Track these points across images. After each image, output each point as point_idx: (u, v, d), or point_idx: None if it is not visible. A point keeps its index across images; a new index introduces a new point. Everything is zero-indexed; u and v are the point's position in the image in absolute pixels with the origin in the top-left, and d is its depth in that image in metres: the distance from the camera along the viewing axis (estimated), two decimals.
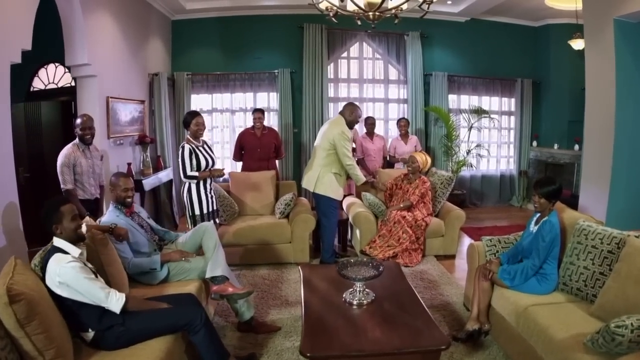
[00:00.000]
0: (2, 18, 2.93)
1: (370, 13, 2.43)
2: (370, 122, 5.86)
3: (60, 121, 5.01)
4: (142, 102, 5.48)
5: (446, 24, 6.88)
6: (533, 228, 2.77)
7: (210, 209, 3.68)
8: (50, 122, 4.97)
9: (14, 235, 3.05)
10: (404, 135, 5.98)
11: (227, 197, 4.59)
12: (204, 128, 3.69)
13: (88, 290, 2.05)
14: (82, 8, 3.86)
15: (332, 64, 6.82)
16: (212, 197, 3.72)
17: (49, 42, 4.44)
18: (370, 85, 6.99)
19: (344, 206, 4.99)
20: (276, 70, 6.55)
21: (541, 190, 2.67)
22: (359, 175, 4.23)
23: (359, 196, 4.98)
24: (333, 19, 2.77)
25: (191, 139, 3.62)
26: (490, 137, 7.40)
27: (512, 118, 7.35)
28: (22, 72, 5.24)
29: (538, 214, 2.81)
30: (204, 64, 6.57)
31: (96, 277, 2.19)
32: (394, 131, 6.48)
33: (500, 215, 6.64)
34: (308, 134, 6.57)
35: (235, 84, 6.64)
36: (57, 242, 2.17)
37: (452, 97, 7.07)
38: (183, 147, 3.55)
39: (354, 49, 6.91)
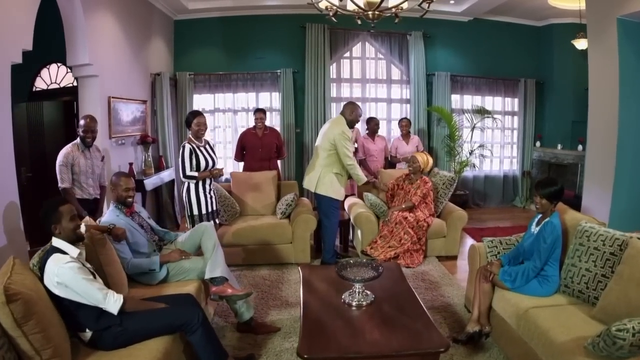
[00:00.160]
0: (2, 18, 2.93)
1: (370, 12, 2.41)
2: (374, 123, 5.84)
3: (63, 121, 5.02)
4: (144, 102, 5.49)
5: (449, 24, 6.85)
6: (534, 229, 2.75)
7: (210, 209, 3.67)
8: (53, 122, 4.99)
9: (15, 235, 3.06)
10: (406, 135, 5.96)
11: (228, 197, 4.58)
12: (206, 128, 3.68)
13: (86, 291, 2.05)
14: (83, 8, 3.87)
15: (334, 64, 6.81)
16: (211, 197, 3.71)
17: (51, 42, 4.45)
18: (372, 85, 6.97)
19: (346, 206, 4.98)
20: (278, 70, 6.54)
21: (543, 191, 2.65)
22: (360, 175, 4.21)
23: (360, 196, 4.96)
24: (333, 18, 2.76)
25: (193, 138, 3.62)
26: (493, 138, 7.36)
27: (516, 118, 7.31)
28: (25, 72, 5.27)
29: (540, 215, 2.78)
30: (206, 63, 6.58)
31: (95, 277, 2.19)
32: (396, 131, 6.45)
33: (503, 216, 6.61)
34: (310, 134, 6.56)
35: (238, 84, 6.63)
36: (56, 242, 2.18)
37: (454, 97, 7.04)
38: (184, 147, 3.55)
39: (356, 49, 6.89)
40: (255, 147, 5.16)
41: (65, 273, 2.02)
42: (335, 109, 6.77)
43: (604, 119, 4.29)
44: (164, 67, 6.16)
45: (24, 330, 1.77)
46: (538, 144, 7.15)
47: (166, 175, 5.62)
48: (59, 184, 3.43)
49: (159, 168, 5.61)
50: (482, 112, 6.83)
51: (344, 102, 4.56)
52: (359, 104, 6.62)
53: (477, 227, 5.86)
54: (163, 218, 5.88)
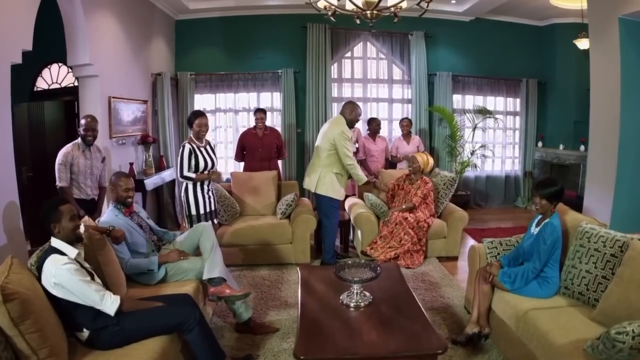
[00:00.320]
0: (2, 19, 2.93)
1: (368, 12, 2.40)
2: (376, 124, 5.82)
3: (64, 121, 5.04)
4: (145, 102, 5.49)
5: (450, 24, 6.83)
6: (534, 230, 2.73)
7: (208, 209, 3.67)
8: (54, 121, 5.00)
9: (14, 235, 3.06)
10: (407, 135, 5.94)
11: (228, 197, 4.58)
12: (207, 130, 3.66)
13: (83, 292, 2.05)
14: (83, 8, 3.87)
15: (335, 64, 6.80)
16: (209, 197, 3.70)
17: (52, 42, 4.46)
18: (374, 85, 6.95)
19: (346, 207, 4.97)
20: (280, 70, 6.54)
21: (542, 191, 2.63)
22: (360, 175, 4.20)
23: (361, 197, 4.95)
24: (332, 17, 2.75)
25: (194, 138, 3.61)
26: (495, 138, 7.33)
27: (517, 118, 7.29)
28: (26, 72, 5.29)
29: (539, 216, 2.76)
30: (207, 63, 6.58)
31: (93, 278, 2.19)
32: (398, 131, 6.44)
33: (505, 217, 6.58)
34: (311, 134, 6.55)
35: (239, 84, 6.63)
36: (55, 242, 2.18)
37: (456, 97, 7.02)
38: (183, 147, 3.55)
39: (357, 49, 6.88)
40: (255, 147, 5.16)
41: (63, 274, 2.02)
42: (336, 109, 6.76)
43: (605, 119, 4.27)
44: (165, 67, 6.17)
45: (21, 330, 1.77)
46: (540, 144, 7.12)
47: (167, 175, 5.63)
48: (57, 183, 3.44)
49: (160, 168, 5.62)
50: (483, 112, 6.81)
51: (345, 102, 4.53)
52: (360, 104, 6.61)
53: (478, 227, 5.83)
54: (164, 218, 5.89)
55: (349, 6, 2.56)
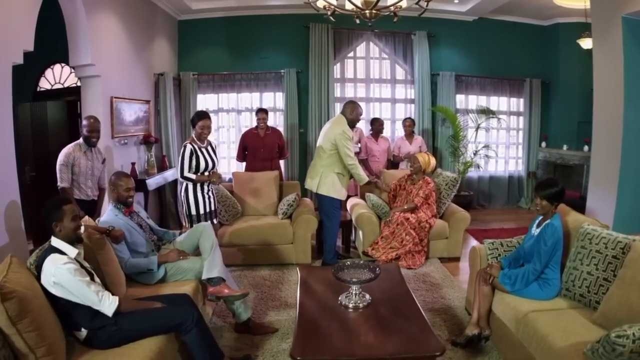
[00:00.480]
0: (3, 19, 2.95)
1: (367, 11, 2.39)
2: (379, 124, 5.81)
3: (66, 121, 5.06)
4: (148, 102, 5.51)
5: (453, 23, 6.79)
6: (535, 231, 2.71)
7: (208, 209, 3.67)
8: (56, 121, 5.03)
9: (15, 234, 3.08)
10: (409, 135, 5.92)
11: (229, 197, 4.58)
12: (209, 132, 3.66)
13: (81, 292, 2.06)
14: (85, 9, 3.89)
15: (338, 64, 6.79)
16: (209, 197, 3.70)
17: (55, 42, 4.48)
18: (377, 85, 6.94)
19: (348, 207, 4.96)
20: (282, 70, 6.54)
21: (543, 192, 2.61)
22: (362, 175, 4.19)
23: (363, 197, 4.94)
24: (331, 17, 2.74)
25: (195, 139, 3.61)
26: (498, 138, 7.29)
27: (521, 118, 7.24)
28: (29, 72, 5.32)
29: (540, 217, 2.74)
30: (210, 63, 6.59)
31: (92, 278, 2.20)
32: (401, 131, 6.42)
33: (508, 217, 6.54)
34: (314, 134, 6.54)
35: (242, 83, 6.64)
36: (55, 242, 2.19)
37: (459, 97, 6.99)
38: (185, 147, 3.55)
39: (360, 49, 6.87)
40: (257, 147, 5.16)
41: (62, 274, 2.03)
42: (338, 109, 6.73)
43: (608, 119, 4.23)
44: (168, 67, 6.18)
45: (19, 328, 1.77)
46: (544, 144, 7.08)
47: (170, 174, 5.64)
48: (58, 183, 3.45)
49: (162, 168, 5.63)
50: (486, 112, 6.77)
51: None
52: (363, 104, 6.64)
53: (481, 228, 5.80)
54: (166, 218, 5.91)
55: (348, 6, 2.55)
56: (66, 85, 5.56)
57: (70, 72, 5.40)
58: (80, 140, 3.59)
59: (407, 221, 4.29)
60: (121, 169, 4.60)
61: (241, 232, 4.30)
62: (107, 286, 2.37)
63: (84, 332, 2.10)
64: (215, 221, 3.79)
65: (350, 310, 2.42)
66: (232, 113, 6.80)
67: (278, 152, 5.32)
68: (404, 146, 5.90)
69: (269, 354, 2.74)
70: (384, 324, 2.26)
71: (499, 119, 6.95)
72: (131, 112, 5.01)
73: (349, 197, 4.96)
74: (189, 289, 2.74)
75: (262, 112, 5.16)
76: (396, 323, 2.27)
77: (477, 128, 6.78)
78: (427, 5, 2.42)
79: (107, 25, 4.45)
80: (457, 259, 4.55)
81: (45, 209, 2.18)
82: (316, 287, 2.77)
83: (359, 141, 5.83)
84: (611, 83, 4.13)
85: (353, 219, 4.64)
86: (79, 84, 4.55)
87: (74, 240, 2.23)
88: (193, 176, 3.54)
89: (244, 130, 6.03)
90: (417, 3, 2.43)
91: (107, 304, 2.10)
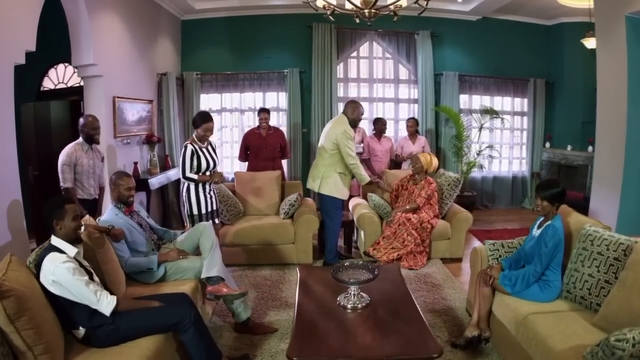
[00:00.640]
0: (5, 20, 2.97)
1: (366, 10, 2.38)
2: (382, 124, 5.80)
3: (70, 120, 5.08)
4: (151, 101, 5.53)
5: (457, 23, 6.76)
6: (536, 232, 2.69)
7: (210, 209, 3.67)
8: (60, 121, 5.05)
9: (17, 233, 3.10)
10: (413, 135, 5.90)
11: (231, 197, 4.59)
12: (212, 134, 3.66)
13: (80, 291, 2.07)
14: (87, 9, 3.91)
15: (341, 64, 6.77)
16: (211, 197, 3.71)
17: (58, 42, 4.49)
18: (380, 85, 6.91)
19: (350, 207, 4.95)
20: (285, 70, 6.53)
21: (543, 193, 2.58)
22: (363, 175, 4.18)
23: (365, 197, 4.92)
24: (330, 17, 2.74)
25: (196, 139, 3.62)
26: (502, 138, 7.25)
27: (525, 119, 7.19)
28: (33, 72, 5.35)
29: (541, 218, 2.71)
30: (213, 63, 6.60)
31: (91, 277, 2.20)
32: (404, 131, 6.40)
33: (512, 218, 6.50)
34: (317, 134, 6.52)
35: (245, 83, 6.64)
36: (55, 240, 2.20)
37: (463, 97, 6.94)
38: (185, 147, 3.55)
39: (363, 49, 6.85)
40: (259, 147, 5.16)
41: (61, 272, 2.04)
42: (341, 109, 6.72)
43: (612, 119, 4.18)
44: (171, 66, 6.20)
45: (17, 326, 1.79)
46: (548, 144, 7.03)
47: (173, 174, 5.65)
48: (61, 184, 3.45)
49: (165, 167, 5.65)
50: (490, 112, 6.73)
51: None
52: (367, 104, 6.62)
53: (484, 229, 5.77)
54: (169, 217, 5.93)
55: (348, 5, 2.54)
56: (69, 85, 5.59)
57: (74, 72, 5.43)
58: (80, 139, 3.59)
59: (409, 221, 4.27)
60: (123, 168, 4.62)
61: (243, 232, 4.30)
62: (106, 285, 2.39)
63: (82, 330, 2.11)
64: (217, 221, 3.79)
65: (349, 311, 2.41)
66: (235, 113, 6.80)
67: (280, 152, 5.32)
68: (406, 146, 5.88)
69: (268, 353, 2.74)
70: (382, 325, 2.25)
71: (502, 119, 6.91)
72: (134, 111, 5.03)
73: (351, 197, 4.95)
74: (189, 289, 2.75)
75: (264, 112, 5.16)
76: (394, 324, 2.26)
77: (481, 128, 6.74)
78: (426, 4, 2.41)
79: (109, 26, 4.47)
80: (460, 260, 4.53)
81: (48, 206, 2.19)
82: (315, 287, 2.76)
83: (362, 141, 5.82)
84: (615, 82, 4.09)
85: (355, 219, 4.63)
86: (82, 83, 4.58)
87: (73, 239, 2.23)
88: (195, 176, 3.55)
89: (247, 130, 6.04)
90: (416, 2, 2.42)
91: (105, 304, 2.10)
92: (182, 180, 3.62)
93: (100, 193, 3.80)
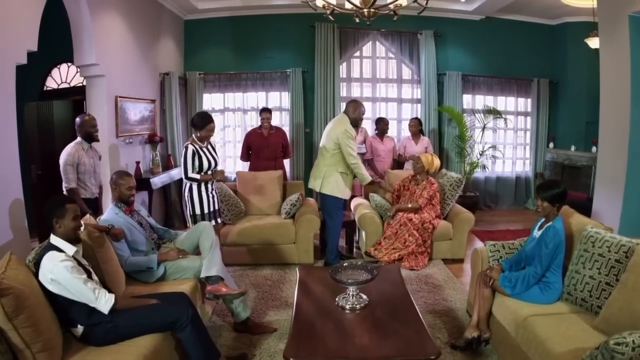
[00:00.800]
0: (7, 20, 2.98)
1: (365, 10, 2.37)
2: (384, 123, 5.78)
3: (72, 120, 5.09)
4: (153, 101, 5.54)
5: (460, 23, 6.73)
6: (536, 233, 2.67)
7: (211, 209, 3.67)
8: (63, 120, 5.07)
9: (19, 232, 3.12)
10: (415, 135, 5.88)
11: (233, 197, 4.59)
12: (213, 134, 3.68)
13: (78, 290, 2.07)
14: (89, 9, 3.92)
15: (344, 64, 6.76)
16: (213, 197, 3.71)
17: (61, 42, 4.53)
18: (383, 84, 6.89)
19: (351, 207, 4.94)
20: (288, 70, 6.53)
21: (544, 193, 2.56)
22: (365, 175, 4.17)
23: (367, 197, 4.91)
24: (330, 17, 2.73)
25: (196, 139, 3.62)
26: (505, 138, 7.21)
27: (528, 119, 7.15)
28: (36, 72, 5.37)
29: (542, 219, 2.70)
30: (216, 63, 6.61)
31: (90, 275, 2.21)
32: (407, 131, 6.38)
33: (515, 219, 6.47)
34: (319, 134, 6.47)
35: (247, 83, 6.65)
36: (54, 239, 2.21)
37: (466, 97, 6.92)
38: (187, 148, 3.55)
39: (366, 48, 6.84)
40: (260, 147, 5.16)
41: (60, 271, 2.05)
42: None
43: (615, 120, 4.15)
44: (174, 66, 6.21)
45: (15, 324, 1.80)
46: (551, 145, 6.99)
47: (175, 173, 5.67)
48: (65, 184, 3.42)
49: (167, 167, 5.66)
50: (493, 112, 6.69)
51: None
52: (370, 104, 6.61)
53: (487, 229, 5.74)
54: (171, 216, 5.94)
55: (347, 5, 2.53)
56: (72, 84, 5.62)
57: (77, 72, 5.45)
58: (79, 138, 3.59)
59: (410, 222, 4.26)
60: (126, 168, 4.64)
61: (244, 231, 4.30)
62: (106, 284, 2.39)
63: (80, 328, 2.12)
64: (218, 220, 3.80)
65: (347, 311, 2.40)
66: (238, 112, 6.81)
67: (282, 152, 5.32)
68: (409, 146, 5.86)
69: (267, 353, 2.74)
70: (380, 326, 2.24)
71: (505, 119, 6.87)
72: (136, 111, 5.05)
73: (353, 197, 4.95)
74: (188, 288, 2.75)
75: (266, 112, 5.16)
76: (392, 325, 2.25)
77: (484, 128, 6.71)
78: (426, 3, 2.39)
79: (111, 25, 4.49)
80: (461, 261, 4.50)
81: (49, 204, 2.20)
82: (314, 287, 2.76)
83: (364, 141, 5.81)
84: (618, 82, 4.05)
85: (356, 219, 4.62)
86: (84, 83, 4.60)
87: (72, 239, 2.24)
88: (197, 176, 3.56)
89: (249, 129, 6.05)
90: (415, 1, 2.41)
91: (103, 302, 2.11)
92: (185, 180, 3.62)
93: (100, 192, 3.81)
